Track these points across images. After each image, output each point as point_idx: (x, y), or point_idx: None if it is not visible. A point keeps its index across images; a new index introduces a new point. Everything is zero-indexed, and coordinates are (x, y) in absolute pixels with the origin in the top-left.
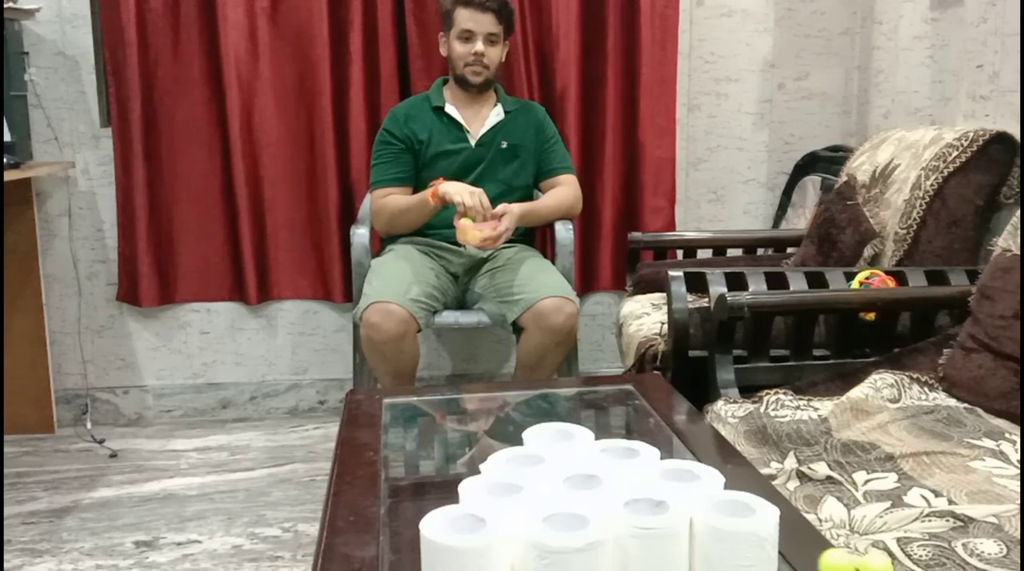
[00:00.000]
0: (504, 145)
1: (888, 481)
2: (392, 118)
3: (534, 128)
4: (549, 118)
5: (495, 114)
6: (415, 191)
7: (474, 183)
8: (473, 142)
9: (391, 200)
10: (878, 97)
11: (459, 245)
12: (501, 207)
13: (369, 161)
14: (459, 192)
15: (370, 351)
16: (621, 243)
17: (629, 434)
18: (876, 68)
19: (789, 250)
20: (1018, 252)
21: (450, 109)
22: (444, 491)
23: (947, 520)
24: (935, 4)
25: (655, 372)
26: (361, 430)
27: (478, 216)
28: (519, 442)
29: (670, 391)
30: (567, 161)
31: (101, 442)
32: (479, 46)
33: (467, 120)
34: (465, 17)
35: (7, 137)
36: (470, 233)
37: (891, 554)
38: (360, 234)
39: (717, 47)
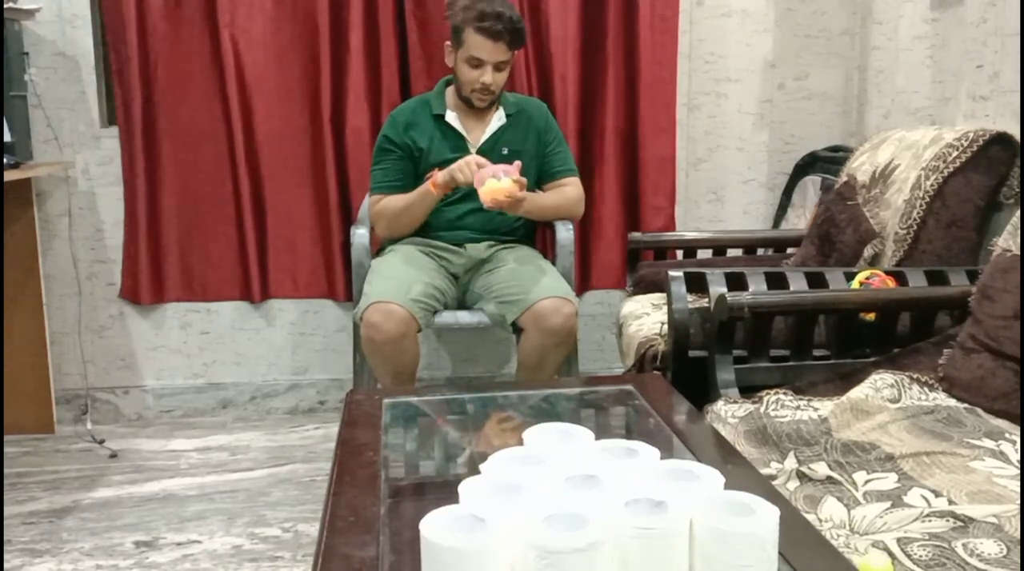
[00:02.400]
0: (505, 151)
1: (888, 481)
2: (392, 124)
3: (535, 132)
4: (552, 117)
5: (496, 119)
6: None
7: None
8: (474, 150)
9: (389, 202)
10: (878, 97)
11: (459, 246)
12: (516, 164)
13: (370, 160)
14: (460, 169)
15: (370, 351)
16: (621, 243)
17: (629, 434)
18: (876, 68)
19: (789, 250)
20: (1018, 252)
21: (451, 117)
22: (444, 491)
23: (947, 520)
24: (935, 4)
25: (655, 372)
26: (361, 430)
27: (478, 172)
28: (519, 442)
29: (670, 391)
30: (570, 163)
31: (101, 442)
32: (488, 77)
33: (468, 127)
34: (476, 43)
35: (7, 137)
36: (496, 187)
37: (891, 554)
38: (360, 234)
39: (717, 47)
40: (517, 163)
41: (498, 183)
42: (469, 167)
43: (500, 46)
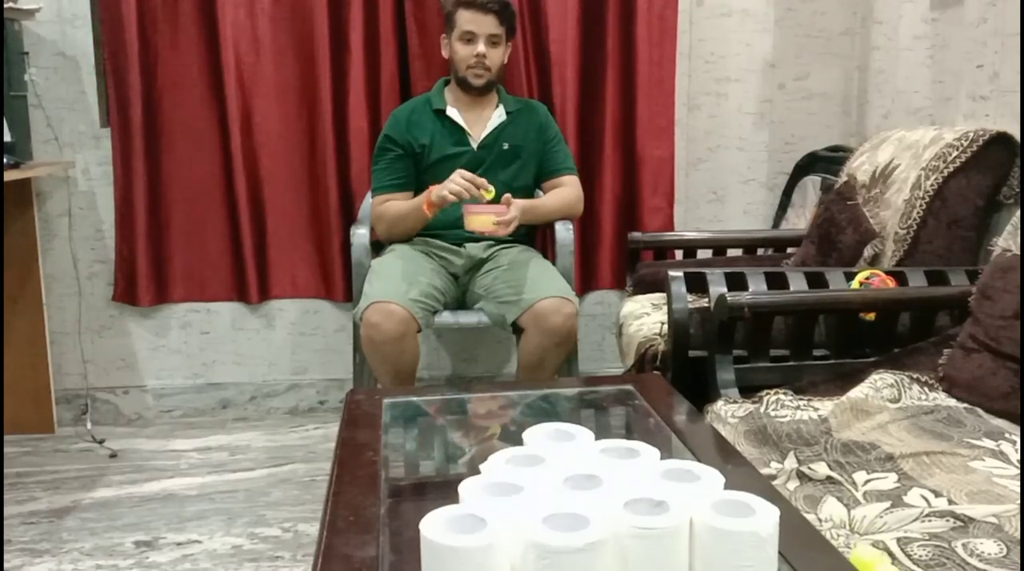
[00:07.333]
0: (505, 147)
1: (888, 481)
2: (393, 122)
3: (536, 129)
4: (551, 117)
5: (497, 115)
6: (416, 195)
7: None
8: (475, 145)
9: (389, 207)
10: (878, 97)
11: (459, 246)
12: (506, 197)
13: (370, 160)
14: (450, 190)
15: (370, 351)
16: (621, 243)
17: (629, 434)
18: (876, 68)
19: (789, 250)
20: (1018, 252)
21: (451, 112)
22: (444, 491)
23: (947, 520)
24: (935, 4)
25: (655, 372)
26: (361, 430)
27: (475, 194)
28: (519, 442)
29: (670, 391)
30: (569, 161)
31: (101, 442)
32: (481, 48)
33: (469, 123)
34: (467, 19)
35: (7, 137)
36: (479, 219)
37: (891, 554)
38: (360, 234)
39: (717, 47)
40: (504, 208)
41: (481, 217)
42: (460, 184)
43: (490, 18)
